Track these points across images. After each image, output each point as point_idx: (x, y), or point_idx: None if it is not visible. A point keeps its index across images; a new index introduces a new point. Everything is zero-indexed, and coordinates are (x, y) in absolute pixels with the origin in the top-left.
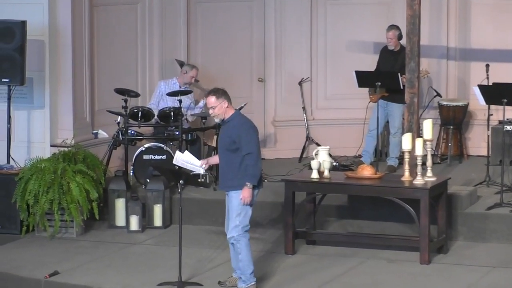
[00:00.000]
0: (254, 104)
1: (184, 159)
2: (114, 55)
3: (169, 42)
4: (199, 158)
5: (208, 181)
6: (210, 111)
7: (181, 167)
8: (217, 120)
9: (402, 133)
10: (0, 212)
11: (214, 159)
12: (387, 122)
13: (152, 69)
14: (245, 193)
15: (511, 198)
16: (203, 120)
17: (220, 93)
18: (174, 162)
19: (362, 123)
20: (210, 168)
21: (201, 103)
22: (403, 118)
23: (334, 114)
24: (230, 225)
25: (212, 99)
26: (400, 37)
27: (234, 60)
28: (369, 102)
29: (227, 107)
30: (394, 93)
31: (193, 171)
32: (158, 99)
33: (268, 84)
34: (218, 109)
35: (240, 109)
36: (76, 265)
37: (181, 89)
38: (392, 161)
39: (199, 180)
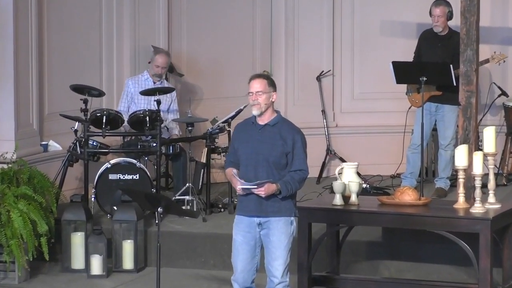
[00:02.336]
0: None
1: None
2: (71, 43)
3: (144, 25)
4: (184, 176)
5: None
6: (252, 98)
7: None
8: (255, 112)
9: (456, 145)
10: None
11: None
12: (434, 130)
13: (121, 61)
14: (269, 189)
15: None
16: (189, 128)
17: (273, 80)
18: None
19: (402, 132)
20: (199, 191)
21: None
22: (457, 125)
23: (364, 119)
24: (274, 265)
25: (263, 83)
26: (450, 16)
27: (230, 48)
28: (410, 107)
29: (273, 102)
30: (446, 92)
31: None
32: (127, 102)
33: (276, 80)
34: (266, 98)
35: (238, 112)
36: None
37: (159, 85)
38: (442, 183)
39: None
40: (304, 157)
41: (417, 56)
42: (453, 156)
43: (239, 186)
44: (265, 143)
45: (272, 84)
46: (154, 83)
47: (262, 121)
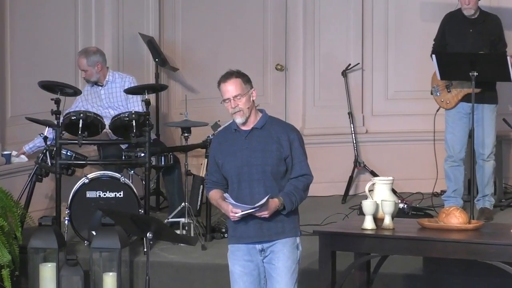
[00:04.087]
0: (270, 107)
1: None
2: (40, 30)
3: (129, 8)
4: (179, 194)
5: (193, 234)
6: (231, 105)
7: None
8: (239, 121)
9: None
10: None
11: (220, 195)
12: (469, 137)
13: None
14: (273, 207)
15: None
16: (185, 134)
17: (247, 77)
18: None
19: (441, 139)
20: (198, 213)
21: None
22: None
23: (400, 124)
24: None
25: (237, 83)
26: None
27: (235, 38)
28: (438, 109)
29: (254, 101)
30: (483, 88)
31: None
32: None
33: (293, 75)
34: (247, 100)
35: None
36: None
37: (109, 85)
38: (485, 201)
39: (178, 232)
40: (305, 158)
41: (440, 45)
42: (496, 168)
43: (239, 213)
44: (256, 151)
45: (248, 80)
46: (102, 86)
47: (246, 126)
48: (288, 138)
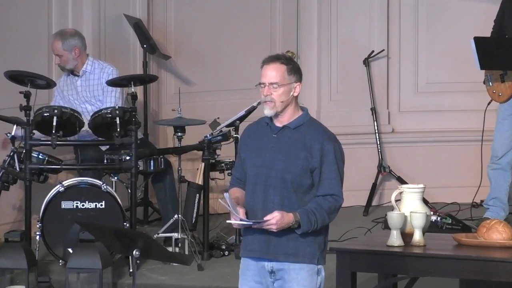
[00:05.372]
0: None
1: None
2: (6, 13)
3: None
4: (172, 204)
5: (187, 252)
6: (264, 92)
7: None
8: (267, 112)
9: None
10: None
11: (237, 195)
12: None
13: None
14: (283, 221)
15: None
16: (178, 133)
17: (295, 67)
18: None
19: (488, 140)
20: (193, 227)
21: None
22: None
23: (433, 121)
24: None
25: (280, 70)
26: None
27: (239, 21)
28: (489, 102)
29: (296, 96)
30: None
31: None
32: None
33: (306, 65)
34: (285, 92)
35: (249, 112)
36: None
37: (87, 76)
38: None
39: (170, 249)
40: (338, 176)
41: (499, 27)
42: None
43: (231, 220)
44: (281, 153)
45: (294, 71)
46: (78, 75)
47: (280, 122)
48: (322, 148)
